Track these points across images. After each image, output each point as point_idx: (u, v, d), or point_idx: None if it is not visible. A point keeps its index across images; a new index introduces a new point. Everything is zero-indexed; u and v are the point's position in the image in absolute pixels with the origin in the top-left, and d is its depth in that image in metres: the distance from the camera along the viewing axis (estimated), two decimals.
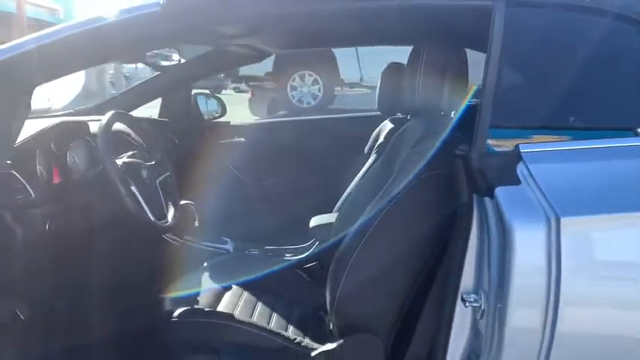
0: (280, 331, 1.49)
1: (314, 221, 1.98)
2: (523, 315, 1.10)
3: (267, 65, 7.07)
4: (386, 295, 1.36)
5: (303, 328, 1.59)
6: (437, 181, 1.28)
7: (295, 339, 1.47)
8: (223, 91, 9.06)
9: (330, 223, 1.91)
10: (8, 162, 1.35)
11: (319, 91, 7.22)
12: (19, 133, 1.35)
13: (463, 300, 1.16)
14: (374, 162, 2.00)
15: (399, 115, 2.24)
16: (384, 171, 1.72)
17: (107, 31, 1.30)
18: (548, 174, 1.08)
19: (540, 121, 1.20)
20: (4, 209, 1.37)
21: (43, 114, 2.00)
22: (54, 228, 1.47)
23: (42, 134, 1.55)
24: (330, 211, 2.10)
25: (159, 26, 1.33)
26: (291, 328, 1.57)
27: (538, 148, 1.12)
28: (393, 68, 2.04)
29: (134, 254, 1.69)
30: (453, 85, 1.42)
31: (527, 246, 1.06)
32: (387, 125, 2.17)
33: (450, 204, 1.24)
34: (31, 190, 1.44)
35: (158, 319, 1.47)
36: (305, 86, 7.23)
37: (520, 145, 1.11)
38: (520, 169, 1.10)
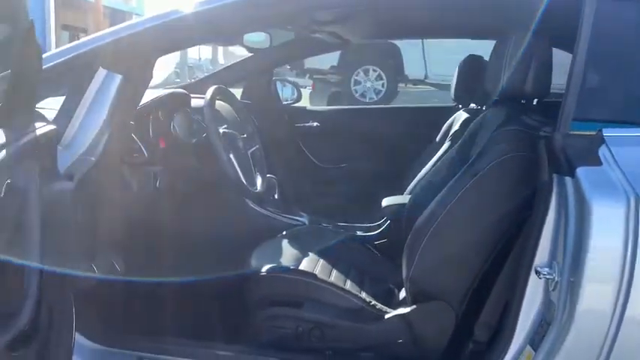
0: (357, 292, 1.62)
1: (386, 201, 2.08)
2: (595, 291, 1.16)
3: (332, 59, 7.21)
4: (460, 267, 1.46)
5: (375, 296, 1.69)
6: (519, 163, 1.36)
7: (371, 302, 1.58)
8: None
9: (403, 204, 2.01)
10: (132, 123, 1.53)
11: (382, 87, 7.29)
12: (141, 98, 1.53)
13: (537, 272, 1.24)
14: (448, 148, 2.09)
15: (473, 106, 2.32)
16: (460, 156, 1.81)
17: (221, 11, 1.46)
18: (630, 156, 1.15)
19: (621, 116, 1.26)
20: (124, 164, 1.56)
21: None
22: (162, 186, 1.65)
23: (154, 103, 1.73)
24: (399, 195, 2.20)
25: (266, 10, 1.47)
26: (364, 294, 1.68)
27: (621, 132, 1.19)
28: (472, 60, 2.13)
29: (226, 215, 1.86)
30: (537, 75, 1.49)
31: (605, 224, 1.13)
32: (461, 115, 2.25)
33: (530, 184, 1.32)
34: (144, 151, 1.63)
35: (246, 274, 1.62)
36: (369, 81, 7.31)
37: (603, 129, 1.19)
38: (602, 151, 1.17)
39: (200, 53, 18.74)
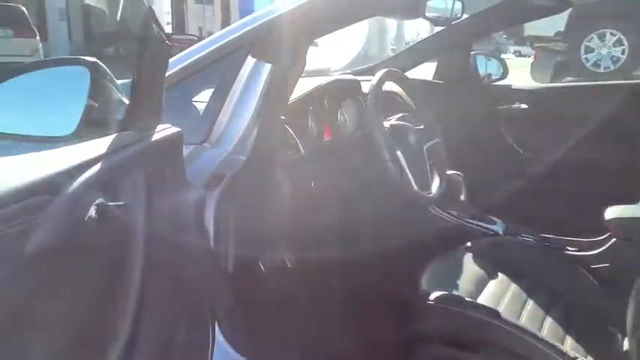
0: (556, 343, 1.22)
1: (611, 212, 1.58)
2: None
3: (557, 24, 6.31)
4: None
5: (586, 343, 1.29)
6: None
7: (576, 357, 1.18)
8: (502, 55, 8.51)
9: (636, 218, 1.51)
10: (282, 117, 1.37)
11: (622, 53, 6.15)
12: (293, 89, 1.36)
13: None
14: None
15: None
16: None
17: None
18: None
19: None
20: (278, 164, 1.41)
21: (321, 74, 2.05)
22: (318, 186, 1.47)
23: (317, 91, 1.56)
24: (633, 202, 1.67)
25: None
26: (569, 341, 1.28)
27: None
28: None
29: (393, 222, 1.60)
30: None
31: None
32: None
33: None
34: (301, 147, 1.46)
35: (413, 298, 1.34)
36: (604, 47, 6.24)
37: None
38: None
39: (417, 28, 18.52)
